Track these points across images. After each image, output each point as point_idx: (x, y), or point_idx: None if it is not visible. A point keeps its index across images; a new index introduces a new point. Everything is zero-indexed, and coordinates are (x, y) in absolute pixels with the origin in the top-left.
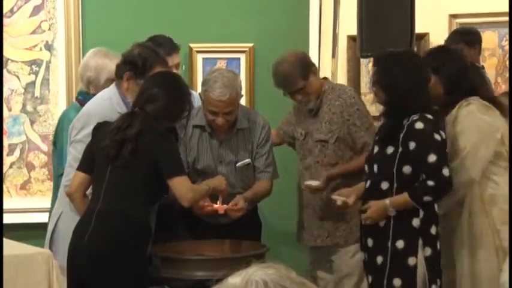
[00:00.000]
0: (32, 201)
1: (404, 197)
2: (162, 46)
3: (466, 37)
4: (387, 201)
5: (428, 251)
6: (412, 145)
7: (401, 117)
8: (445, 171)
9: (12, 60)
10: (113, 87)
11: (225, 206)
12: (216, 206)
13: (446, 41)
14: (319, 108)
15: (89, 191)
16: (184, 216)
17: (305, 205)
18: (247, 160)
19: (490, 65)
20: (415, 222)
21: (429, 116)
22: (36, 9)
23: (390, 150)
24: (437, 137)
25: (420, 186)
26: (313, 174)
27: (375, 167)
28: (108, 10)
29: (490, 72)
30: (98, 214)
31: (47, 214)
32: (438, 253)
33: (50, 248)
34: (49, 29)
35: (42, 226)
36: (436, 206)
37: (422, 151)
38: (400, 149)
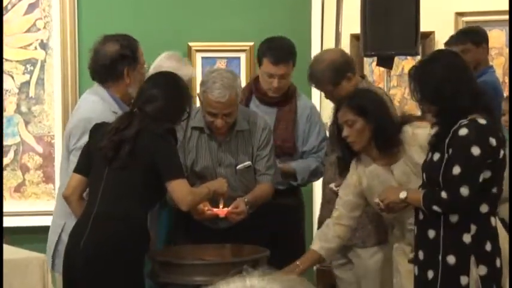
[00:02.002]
0: (26, 204)
1: (419, 195)
2: (272, 51)
3: (472, 36)
4: (405, 191)
5: (483, 270)
6: (450, 152)
7: (450, 123)
8: (463, 190)
9: (7, 60)
10: (98, 89)
11: (225, 209)
12: (216, 210)
13: (451, 41)
14: None
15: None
16: (183, 219)
17: (327, 201)
18: (248, 163)
19: (497, 64)
20: (466, 238)
21: (481, 121)
22: (31, 7)
23: (436, 156)
24: (474, 150)
25: (434, 193)
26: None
27: (424, 175)
28: (105, 8)
29: (498, 72)
30: (95, 216)
31: (42, 217)
32: (497, 271)
33: (53, 261)
34: (44, 28)
35: (37, 230)
36: (492, 219)
37: (453, 159)
38: (446, 156)
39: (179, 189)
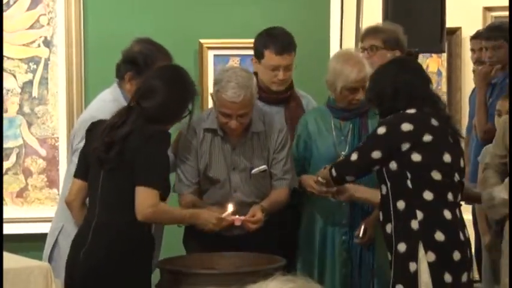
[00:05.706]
0: (29, 211)
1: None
2: (274, 41)
3: (506, 33)
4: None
5: (431, 257)
6: None
7: None
8: (353, 155)
9: (8, 58)
10: (115, 88)
11: (242, 217)
12: (232, 217)
13: (480, 35)
14: None
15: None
16: (193, 226)
17: None
18: (263, 166)
19: None
20: (414, 224)
21: (409, 111)
22: (34, 2)
23: None
24: (380, 129)
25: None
26: None
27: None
28: (112, 3)
29: None
30: (96, 225)
31: (45, 224)
32: (447, 260)
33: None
34: (48, 24)
35: (40, 237)
36: (446, 212)
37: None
38: None
39: (143, 198)
